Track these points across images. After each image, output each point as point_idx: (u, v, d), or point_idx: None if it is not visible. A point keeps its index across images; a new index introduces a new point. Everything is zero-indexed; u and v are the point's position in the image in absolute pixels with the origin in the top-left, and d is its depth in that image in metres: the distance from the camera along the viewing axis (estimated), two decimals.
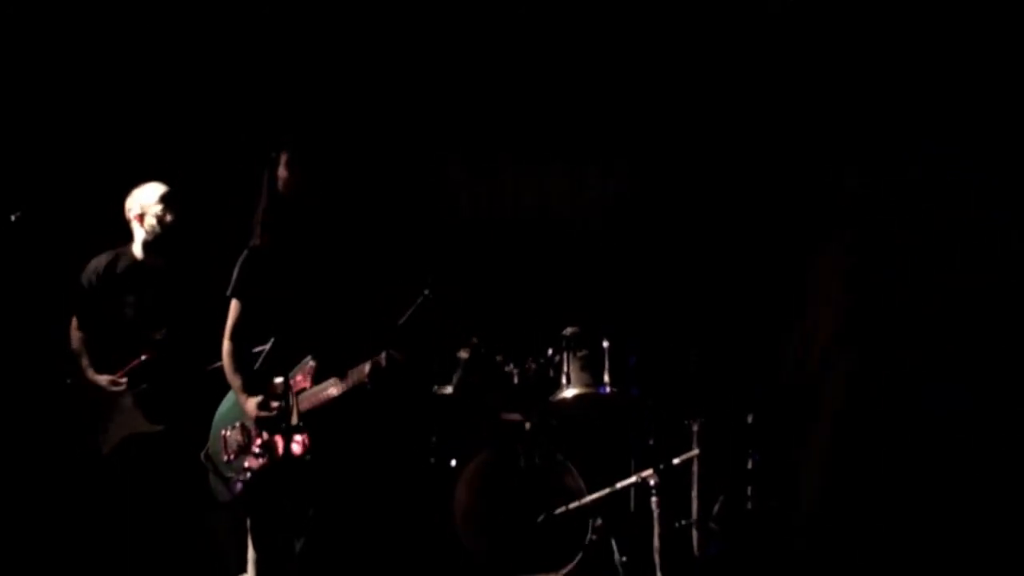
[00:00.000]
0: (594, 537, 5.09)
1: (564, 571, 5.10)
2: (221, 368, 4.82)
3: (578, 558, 5.10)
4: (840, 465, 4.60)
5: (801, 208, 5.59)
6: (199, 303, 5.06)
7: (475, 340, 5.32)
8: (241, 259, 4.34)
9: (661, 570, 4.83)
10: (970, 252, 4.35)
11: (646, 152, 6.01)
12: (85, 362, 5.17)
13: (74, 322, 5.23)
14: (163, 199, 5.12)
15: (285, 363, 4.24)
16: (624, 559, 5.02)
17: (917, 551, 4.29)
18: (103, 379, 5.09)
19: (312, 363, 4.21)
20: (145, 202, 5.12)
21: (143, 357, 5.04)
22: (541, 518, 5.10)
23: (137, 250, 5.17)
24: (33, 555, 5.48)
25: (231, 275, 4.40)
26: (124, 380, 5.05)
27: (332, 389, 4.15)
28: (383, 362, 4.02)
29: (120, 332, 5.13)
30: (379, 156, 6.01)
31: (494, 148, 6.15)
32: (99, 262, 5.20)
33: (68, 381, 5.23)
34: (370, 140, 5.97)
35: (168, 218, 5.10)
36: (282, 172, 4.25)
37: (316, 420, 4.16)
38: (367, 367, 4.05)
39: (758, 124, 5.76)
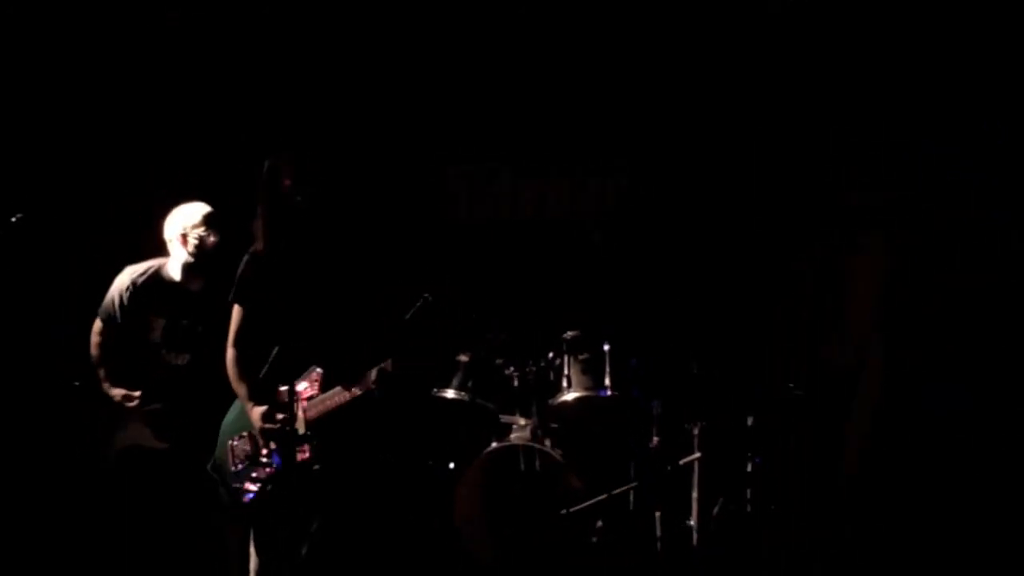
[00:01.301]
0: (595, 540, 5.10)
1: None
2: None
3: (579, 559, 5.11)
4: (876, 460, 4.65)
5: (797, 210, 5.63)
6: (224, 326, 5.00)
7: (475, 343, 5.34)
8: (243, 264, 4.33)
9: (662, 572, 4.87)
10: (970, 252, 4.37)
11: (646, 155, 6.04)
12: (102, 373, 5.07)
13: (96, 326, 5.11)
14: (207, 220, 4.94)
15: (290, 370, 4.23)
16: (626, 560, 5.02)
17: (923, 549, 4.31)
18: (117, 392, 5.02)
19: (319, 370, 4.21)
20: (188, 223, 4.93)
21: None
22: (543, 520, 5.10)
23: (175, 271, 5.00)
24: (33, 559, 5.46)
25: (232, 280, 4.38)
26: (137, 395, 5.00)
27: (340, 396, 4.15)
28: (390, 368, 4.03)
29: (142, 351, 5.02)
30: (378, 161, 6.02)
31: (492, 152, 6.17)
32: (134, 277, 5.05)
33: (76, 384, 5.18)
34: (369, 146, 5.97)
35: (211, 240, 4.93)
36: (285, 181, 4.24)
37: (324, 428, 4.16)
38: (373, 374, 4.06)
39: (756, 125, 5.79)
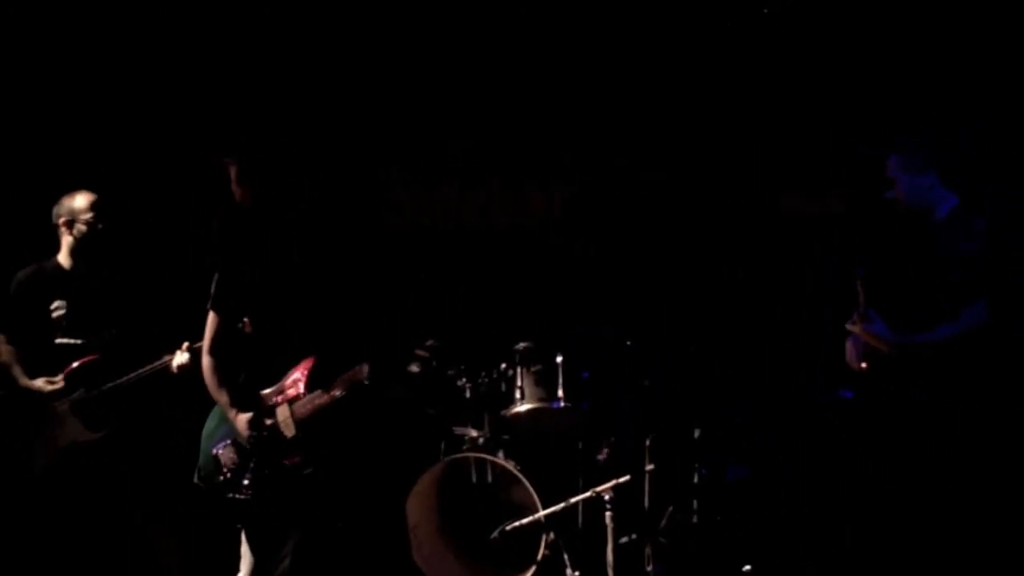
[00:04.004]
0: (546, 552, 5.09)
1: None
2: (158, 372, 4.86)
3: (530, 572, 5.10)
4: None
5: (759, 219, 5.73)
6: (132, 306, 5.03)
7: (426, 353, 5.29)
8: (218, 272, 4.25)
9: None
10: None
11: (589, 165, 6.08)
12: (18, 371, 5.01)
13: (1, 338, 5.08)
14: (94, 206, 5.02)
15: (269, 373, 4.16)
16: (576, 573, 5.04)
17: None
18: (39, 382, 4.96)
19: (303, 372, 4.13)
20: (75, 208, 5.02)
21: (75, 364, 4.92)
22: (494, 533, 5.08)
23: (63, 258, 5.06)
24: None
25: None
26: (61, 380, 4.93)
27: (328, 394, 4.08)
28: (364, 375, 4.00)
29: (52, 340, 4.98)
30: (326, 169, 5.97)
31: (437, 162, 6.16)
32: (24, 273, 5.09)
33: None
34: (317, 153, 5.92)
35: (99, 226, 5.01)
36: (234, 186, 4.18)
37: (313, 428, 4.09)
38: (364, 370, 4.02)
39: (698, 135, 5.89)
